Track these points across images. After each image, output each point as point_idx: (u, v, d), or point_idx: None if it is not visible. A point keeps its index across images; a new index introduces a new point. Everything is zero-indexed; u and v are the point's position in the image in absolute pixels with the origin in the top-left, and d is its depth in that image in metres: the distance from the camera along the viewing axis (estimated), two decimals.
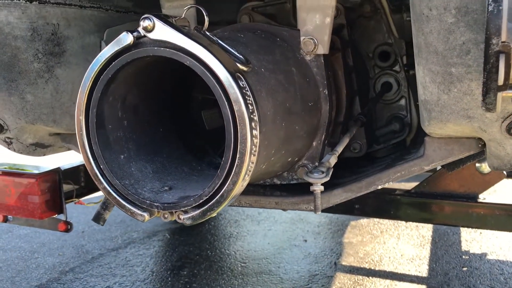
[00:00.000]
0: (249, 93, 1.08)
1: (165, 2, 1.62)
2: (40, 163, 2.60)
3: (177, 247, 3.64)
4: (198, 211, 1.09)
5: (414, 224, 3.98)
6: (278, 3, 1.97)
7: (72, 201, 2.66)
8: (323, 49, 1.47)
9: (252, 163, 1.09)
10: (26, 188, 2.49)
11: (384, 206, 2.21)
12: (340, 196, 1.42)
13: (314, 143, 1.51)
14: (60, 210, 2.57)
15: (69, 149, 1.87)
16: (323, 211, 1.79)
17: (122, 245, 3.62)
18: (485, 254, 3.41)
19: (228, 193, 1.07)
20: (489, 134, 1.14)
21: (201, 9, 1.21)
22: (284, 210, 1.50)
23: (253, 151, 1.08)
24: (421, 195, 2.15)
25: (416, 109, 1.94)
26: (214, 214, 1.09)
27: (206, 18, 1.19)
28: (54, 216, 2.57)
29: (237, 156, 1.07)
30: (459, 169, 1.98)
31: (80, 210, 3.30)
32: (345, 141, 1.47)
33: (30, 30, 1.40)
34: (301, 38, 1.47)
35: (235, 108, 1.06)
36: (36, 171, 2.45)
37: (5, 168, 2.49)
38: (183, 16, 1.18)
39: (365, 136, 1.83)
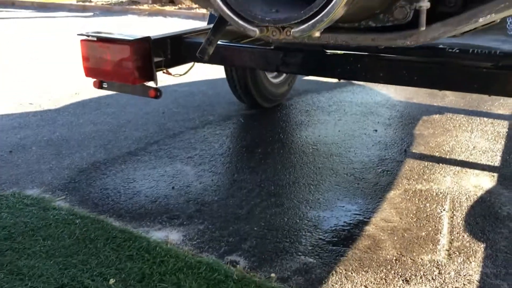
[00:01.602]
0: None
1: None
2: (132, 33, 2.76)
3: (251, 130, 3.83)
4: (307, 24, 1.16)
5: (489, 120, 3.91)
6: None
7: (161, 69, 2.84)
8: None
9: None
10: (120, 54, 2.67)
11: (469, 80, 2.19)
12: (439, 30, 1.43)
13: None
14: (151, 78, 2.76)
15: None
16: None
17: (200, 125, 3.86)
18: None
19: (336, 5, 1.13)
20: None
21: None
22: (379, 47, 1.54)
23: None
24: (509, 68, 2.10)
25: None
26: (322, 28, 1.16)
27: None
28: (145, 83, 2.77)
29: None
30: None
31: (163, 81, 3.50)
32: None
33: None
34: None
35: None
36: (129, 38, 2.62)
37: (102, 35, 2.67)
38: None
39: None
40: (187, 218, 2.52)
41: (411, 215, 2.54)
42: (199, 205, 2.65)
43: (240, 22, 1.23)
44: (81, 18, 9.89)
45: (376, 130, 3.75)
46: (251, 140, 3.60)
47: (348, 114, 4.13)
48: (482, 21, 1.40)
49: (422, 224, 2.45)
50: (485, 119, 3.95)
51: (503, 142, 3.50)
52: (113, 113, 4.13)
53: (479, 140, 3.55)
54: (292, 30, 1.18)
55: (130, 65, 2.67)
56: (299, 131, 3.77)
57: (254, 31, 1.22)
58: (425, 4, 1.25)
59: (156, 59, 2.79)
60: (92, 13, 11.57)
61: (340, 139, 3.59)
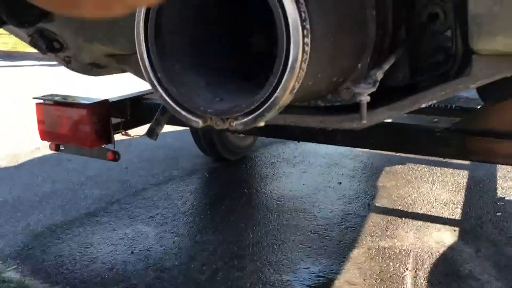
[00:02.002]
0: (302, 0, 1.12)
1: None
2: (90, 96, 2.73)
3: (215, 185, 3.79)
4: (250, 117, 1.16)
5: (450, 171, 3.98)
6: None
7: (120, 132, 2.80)
8: None
9: (303, 71, 1.14)
10: (77, 117, 2.63)
11: (423, 144, 2.23)
12: (383, 114, 1.46)
13: (359, 65, 1.54)
14: (109, 140, 2.71)
15: (123, 71, 1.96)
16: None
17: (163, 181, 3.79)
18: None
19: (279, 99, 1.13)
20: None
21: None
22: (328, 129, 1.55)
23: (304, 59, 1.13)
24: (461, 131, 2.16)
25: (462, 41, 1.92)
26: (265, 120, 1.16)
27: None
28: (103, 146, 2.72)
29: (289, 62, 1.12)
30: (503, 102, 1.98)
31: (122, 147, 3.45)
32: (392, 60, 1.49)
33: None
34: None
35: (288, 11, 1.10)
36: (87, 102, 2.59)
37: (58, 98, 2.63)
38: None
39: (408, 65, 1.84)
40: (146, 287, 2.43)
41: (375, 275, 2.52)
42: (158, 271, 2.56)
43: (183, 113, 1.22)
44: (49, 67, 9.81)
45: (340, 183, 3.77)
46: (215, 196, 3.55)
47: (313, 165, 4.14)
48: (424, 105, 1.44)
49: (385, 286, 2.43)
50: (446, 169, 4.03)
51: (463, 194, 3.56)
52: (74, 169, 4.03)
53: (440, 192, 3.61)
54: (235, 122, 1.18)
55: (88, 129, 2.63)
56: (264, 185, 3.75)
57: (197, 122, 1.21)
58: (365, 98, 1.27)
59: (115, 121, 2.76)
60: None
61: (305, 193, 3.58)
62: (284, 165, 4.16)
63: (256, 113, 1.15)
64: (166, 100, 1.23)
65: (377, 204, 3.40)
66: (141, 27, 1.24)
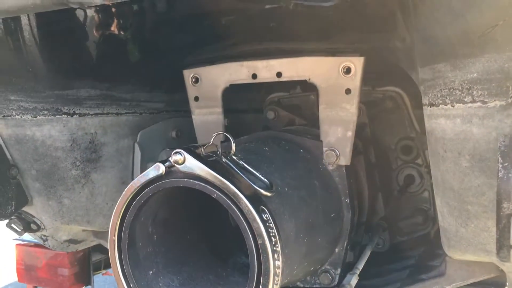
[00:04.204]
0: (272, 225, 1.14)
1: (195, 109, 1.72)
2: None
3: None
4: None
5: None
6: (303, 94, 2.06)
7: (100, 272, 2.74)
8: (344, 161, 1.52)
9: (276, 285, 1.14)
10: (56, 260, 2.59)
11: None
12: None
13: (336, 250, 1.54)
14: (88, 282, 2.65)
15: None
16: None
17: None
18: None
19: None
20: (508, 268, 1.16)
21: (228, 135, 1.29)
22: None
23: (275, 281, 1.13)
24: None
25: None
26: None
27: (233, 145, 1.27)
28: None
29: (260, 287, 1.12)
30: None
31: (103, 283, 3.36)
32: (366, 256, 1.51)
33: (70, 141, 1.51)
34: (324, 149, 1.54)
35: (259, 242, 1.11)
36: None
37: (37, 240, 2.60)
38: (211, 142, 1.27)
39: (387, 232, 1.86)
40: None
41: None
42: None
43: None
44: None
45: None
46: None
47: None
48: None
49: None
50: None
51: None
52: None
53: None
54: None
55: (66, 272, 2.58)
56: None
57: None
58: None
59: (95, 259, 2.72)
60: None
61: None
62: None
63: None
64: None
65: None
66: (115, 238, 1.25)
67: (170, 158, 1.20)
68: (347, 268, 1.58)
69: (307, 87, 1.96)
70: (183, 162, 1.18)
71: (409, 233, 1.98)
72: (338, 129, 1.52)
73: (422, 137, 2.00)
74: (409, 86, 1.95)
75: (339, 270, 1.53)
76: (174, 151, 1.19)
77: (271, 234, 1.13)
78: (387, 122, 2.05)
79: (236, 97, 1.82)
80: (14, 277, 2.72)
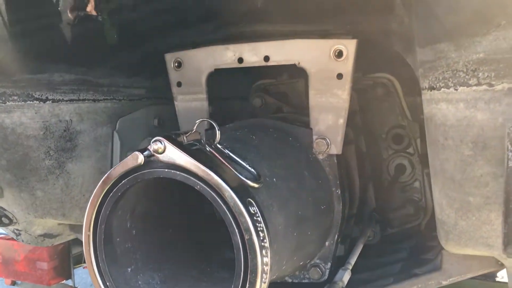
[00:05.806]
0: (260, 219, 1.06)
1: (178, 95, 1.62)
2: None
3: None
4: None
5: None
6: (290, 81, 1.98)
7: (81, 266, 2.65)
8: (336, 150, 1.44)
9: (264, 283, 1.07)
10: (35, 254, 2.49)
11: None
12: None
13: (327, 243, 1.48)
14: (68, 276, 2.56)
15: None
16: None
17: None
18: None
19: None
20: (510, 263, 1.10)
21: (212, 122, 1.20)
22: None
23: (263, 279, 1.05)
24: None
25: (431, 193, 1.90)
26: None
27: (218, 133, 1.18)
28: (62, 282, 2.56)
29: (247, 285, 1.04)
30: None
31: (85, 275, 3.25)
32: (358, 250, 1.44)
33: (42, 129, 1.41)
34: (314, 138, 1.46)
35: (246, 237, 1.03)
36: None
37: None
38: (194, 130, 1.18)
39: (378, 224, 1.79)
40: None
41: None
42: None
43: None
44: None
45: None
46: None
47: None
48: None
49: None
50: None
51: None
52: None
53: None
54: None
55: (45, 266, 2.48)
56: None
57: None
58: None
59: (75, 252, 2.62)
60: None
61: None
62: None
63: None
64: None
65: None
66: (90, 233, 1.16)
67: (149, 147, 1.11)
68: (338, 262, 1.51)
69: (296, 72, 1.88)
70: (164, 151, 1.09)
71: (400, 225, 1.92)
72: (329, 116, 1.44)
73: (414, 125, 1.94)
74: (401, 73, 1.89)
75: (329, 265, 1.46)
76: (154, 139, 1.10)
77: (258, 229, 1.05)
78: (378, 110, 1.98)
79: (221, 83, 1.73)
80: None
